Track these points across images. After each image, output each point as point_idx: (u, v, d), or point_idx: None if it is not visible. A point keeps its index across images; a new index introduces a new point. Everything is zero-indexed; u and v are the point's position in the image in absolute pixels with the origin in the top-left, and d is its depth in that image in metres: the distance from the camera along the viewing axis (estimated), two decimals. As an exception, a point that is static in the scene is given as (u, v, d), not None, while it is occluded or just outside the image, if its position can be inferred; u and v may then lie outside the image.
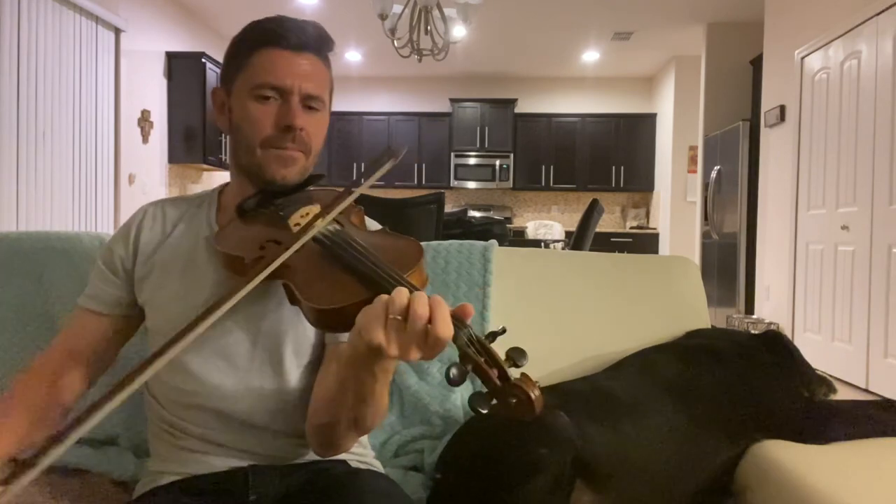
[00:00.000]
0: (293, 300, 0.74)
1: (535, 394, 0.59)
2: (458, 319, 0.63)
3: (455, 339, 0.62)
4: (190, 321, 0.67)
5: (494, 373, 0.60)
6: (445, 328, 0.61)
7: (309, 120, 0.92)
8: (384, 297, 0.64)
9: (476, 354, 0.61)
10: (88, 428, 0.60)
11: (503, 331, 0.65)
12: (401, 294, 0.63)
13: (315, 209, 0.86)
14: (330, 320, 0.70)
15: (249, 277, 0.70)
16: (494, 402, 0.59)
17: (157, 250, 0.97)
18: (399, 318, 0.62)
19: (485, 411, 0.59)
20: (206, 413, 0.89)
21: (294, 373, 0.90)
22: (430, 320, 0.62)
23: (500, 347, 0.63)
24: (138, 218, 1.01)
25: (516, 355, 0.62)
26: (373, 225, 0.98)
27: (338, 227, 0.82)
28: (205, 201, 1.02)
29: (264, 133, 0.90)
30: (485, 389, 0.61)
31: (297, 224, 0.82)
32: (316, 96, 0.92)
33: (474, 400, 0.59)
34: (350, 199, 0.83)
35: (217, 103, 0.97)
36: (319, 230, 0.78)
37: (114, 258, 0.98)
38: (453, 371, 0.60)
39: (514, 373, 0.61)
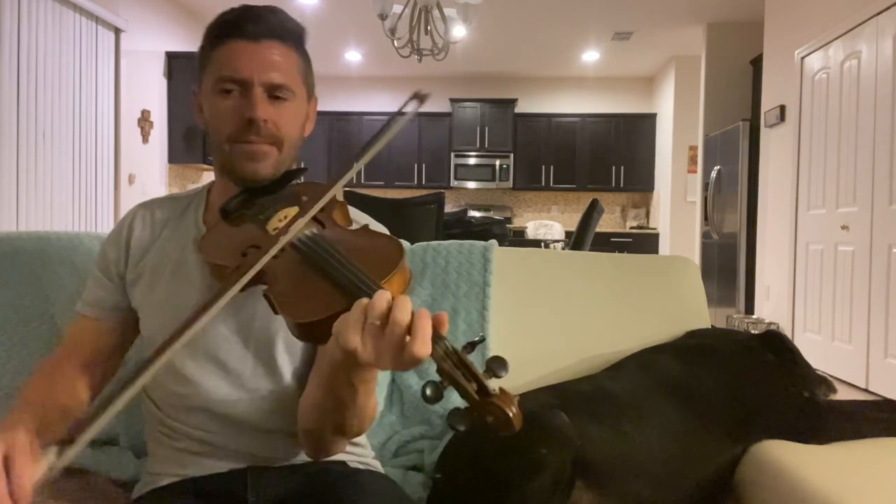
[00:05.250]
0: (275, 311, 0.72)
1: (512, 411, 0.57)
2: (434, 331, 0.61)
3: (431, 351, 0.60)
4: (175, 329, 0.66)
5: (473, 387, 0.58)
6: (423, 341, 0.59)
7: (275, 111, 0.88)
8: (364, 300, 0.62)
9: (453, 368, 0.59)
10: (93, 433, 0.59)
11: (482, 339, 0.63)
12: (381, 298, 0.61)
13: (294, 211, 0.83)
14: (310, 332, 0.68)
15: (229, 286, 0.69)
16: (472, 418, 0.57)
17: (146, 253, 0.96)
18: (377, 323, 0.60)
19: (463, 428, 0.57)
20: (202, 415, 0.89)
21: (287, 372, 0.90)
22: (408, 330, 0.59)
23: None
24: (128, 220, 1.00)
25: (496, 366, 0.59)
26: (358, 217, 0.97)
27: (316, 230, 0.78)
28: (193, 201, 1.01)
29: (228, 128, 0.87)
30: (464, 404, 0.59)
31: (276, 228, 0.80)
32: (281, 85, 0.88)
33: (452, 418, 0.57)
34: (329, 197, 0.79)
35: (195, 102, 0.95)
36: (296, 235, 0.75)
37: (108, 263, 0.97)
38: (428, 389, 0.58)
39: (495, 383, 0.59)
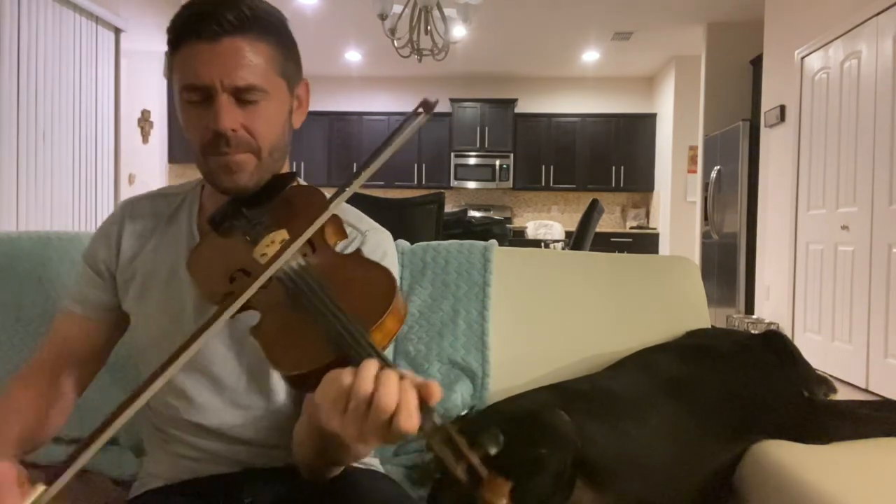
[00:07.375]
0: (265, 357, 0.68)
1: None
2: (423, 406, 0.56)
3: (419, 428, 0.56)
4: (166, 358, 0.64)
5: (462, 467, 0.54)
6: (409, 416, 0.55)
7: (246, 116, 0.80)
8: (346, 380, 0.57)
9: (441, 446, 0.55)
10: (90, 454, 0.60)
11: (472, 410, 0.60)
12: (365, 380, 0.56)
13: (282, 235, 0.77)
14: (297, 383, 0.65)
15: (218, 314, 0.66)
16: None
17: (138, 255, 0.93)
18: (361, 408, 0.56)
19: None
20: (196, 428, 0.89)
21: (282, 391, 0.89)
22: (395, 411, 0.55)
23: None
24: (118, 217, 0.96)
25: (488, 441, 0.56)
26: (358, 223, 0.93)
27: (303, 261, 0.73)
28: (186, 199, 0.97)
29: (199, 140, 0.81)
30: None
31: (264, 254, 0.75)
32: (248, 87, 0.79)
33: (439, 499, 0.54)
34: (319, 224, 0.73)
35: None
36: (283, 267, 0.71)
37: (97, 260, 0.94)
38: (415, 475, 0.56)
39: (494, 448, 0.56)
